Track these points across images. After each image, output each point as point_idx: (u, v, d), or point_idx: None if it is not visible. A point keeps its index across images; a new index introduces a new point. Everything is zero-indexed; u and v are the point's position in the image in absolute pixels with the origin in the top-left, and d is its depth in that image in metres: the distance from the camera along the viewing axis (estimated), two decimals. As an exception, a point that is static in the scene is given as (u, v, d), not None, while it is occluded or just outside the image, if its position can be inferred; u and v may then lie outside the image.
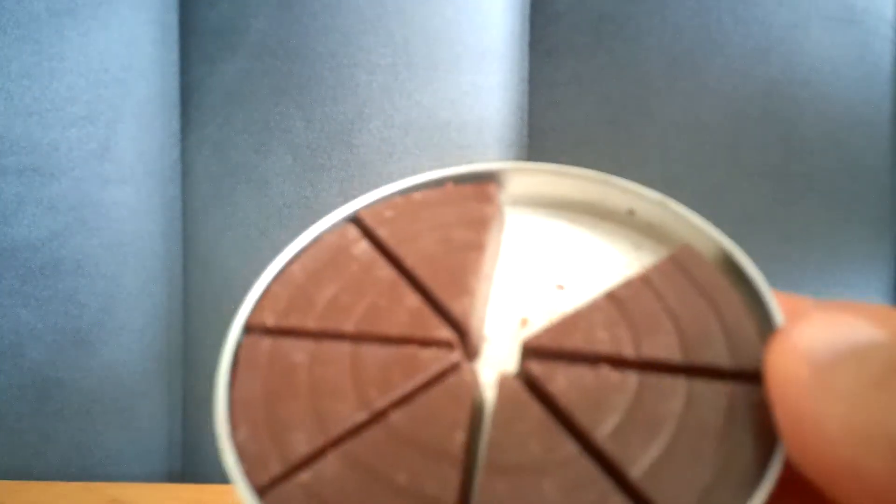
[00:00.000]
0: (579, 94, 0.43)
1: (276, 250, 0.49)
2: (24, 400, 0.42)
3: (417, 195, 0.19)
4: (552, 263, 0.19)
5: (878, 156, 0.43)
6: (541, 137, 0.44)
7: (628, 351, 0.16)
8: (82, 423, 0.42)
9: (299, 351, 0.16)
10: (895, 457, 0.12)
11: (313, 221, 0.49)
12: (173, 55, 0.44)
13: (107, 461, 0.43)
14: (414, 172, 0.44)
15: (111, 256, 0.42)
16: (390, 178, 0.42)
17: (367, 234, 0.18)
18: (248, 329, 0.17)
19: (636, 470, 0.14)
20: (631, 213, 0.19)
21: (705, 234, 0.18)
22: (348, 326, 0.17)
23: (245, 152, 0.43)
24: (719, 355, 0.15)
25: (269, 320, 0.17)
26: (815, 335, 0.14)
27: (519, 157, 0.44)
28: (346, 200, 0.46)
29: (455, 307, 0.17)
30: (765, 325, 0.16)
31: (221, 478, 0.48)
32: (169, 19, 0.43)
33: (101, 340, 0.42)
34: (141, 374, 0.43)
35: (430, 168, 0.42)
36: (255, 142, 0.43)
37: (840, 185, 0.42)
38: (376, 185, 0.46)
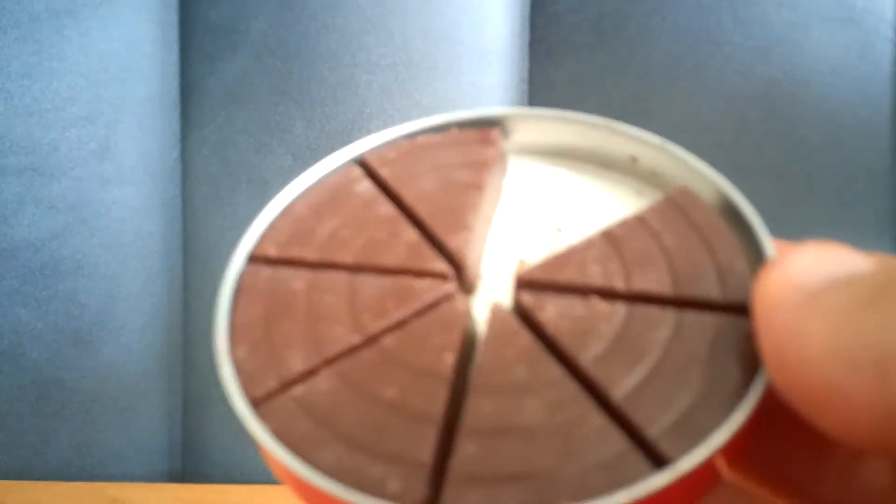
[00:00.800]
0: (579, 94, 0.43)
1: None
2: (24, 400, 0.42)
3: (421, 138, 0.19)
4: (552, 208, 0.19)
5: (878, 156, 0.43)
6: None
7: (619, 284, 0.16)
8: (82, 423, 0.42)
9: (298, 279, 0.17)
10: (879, 376, 0.12)
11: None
12: (173, 55, 0.44)
13: (107, 461, 0.43)
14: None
15: (111, 256, 0.42)
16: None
17: (370, 173, 0.19)
18: (251, 259, 0.18)
19: (618, 391, 0.14)
20: (633, 160, 0.19)
21: (705, 177, 0.18)
22: (346, 258, 0.17)
23: (245, 152, 0.43)
24: (710, 289, 0.16)
25: (271, 251, 0.17)
26: (808, 262, 0.14)
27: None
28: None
29: (451, 241, 0.17)
30: (759, 265, 0.16)
31: (222, 477, 0.48)
32: (169, 19, 0.43)
33: (101, 340, 0.42)
34: (141, 374, 0.43)
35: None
36: (255, 142, 0.43)
37: (840, 185, 0.42)
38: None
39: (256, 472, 0.43)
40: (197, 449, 0.45)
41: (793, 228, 0.42)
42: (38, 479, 0.42)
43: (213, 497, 0.40)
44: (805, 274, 0.13)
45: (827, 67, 0.42)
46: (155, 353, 0.44)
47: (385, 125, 0.42)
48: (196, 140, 0.44)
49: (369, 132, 0.47)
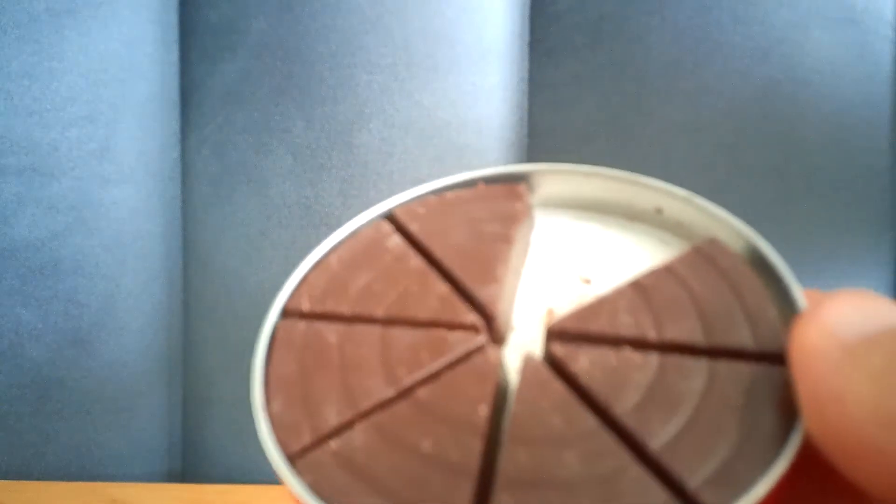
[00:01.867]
0: (579, 94, 0.43)
1: (277, 250, 0.49)
2: (24, 400, 0.42)
3: (449, 194, 0.20)
4: (579, 259, 0.19)
5: (878, 156, 0.43)
6: (541, 137, 0.44)
7: (651, 334, 0.16)
8: (82, 423, 0.42)
9: (332, 333, 0.17)
10: None
11: (313, 222, 0.48)
12: (173, 55, 0.44)
13: (107, 461, 0.43)
14: (414, 173, 0.44)
15: (111, 256, 0.42)
16: (390, 179, 0.42)
17: (400, 229, 0.19)
18: (286, 313, 0.18)
19: (656, 442, 0.14)
20: (659, 211, 0.20)
21: (732, 227, 0.18)
22: (379, 311, 0.17)
23: (245, 152, 0.43)
24: (742, 338, 0.16)
25: (305, 305, 0.18)
26: (845, 314, 0.13)
27: (519, 158, 0.44)
28: (346, 200, 0.47)
29: (482, 294, 0.17)
30: (789, 313, 0.16)
31: (222, 477, 0.48)
32: (169, 19, 0.43)
33: (101, 340, 0.42)
34: (141, 374, 0.43)
35: (430, 169, 0.42)
36: (255, 142, 0.43)
37: (840, 185, 0.42)
38: (376, 185, 0.46)
39: (256, 472, 0.43)
40: (197, 449, 0.45)
41: (793, 228, 0.42)
42: (38, 479, 0.42)
43: (213, 497, 0.40)
44: (844, 327, 0.13)
45: (827, 67, 0.42)
46: (155, 353, 0.44)
47: (385, 125, 0.42)
48: (196, 140, 0.44)
49: (369, 132, 0.47)
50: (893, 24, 0.42)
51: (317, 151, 0.42)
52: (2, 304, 0.41)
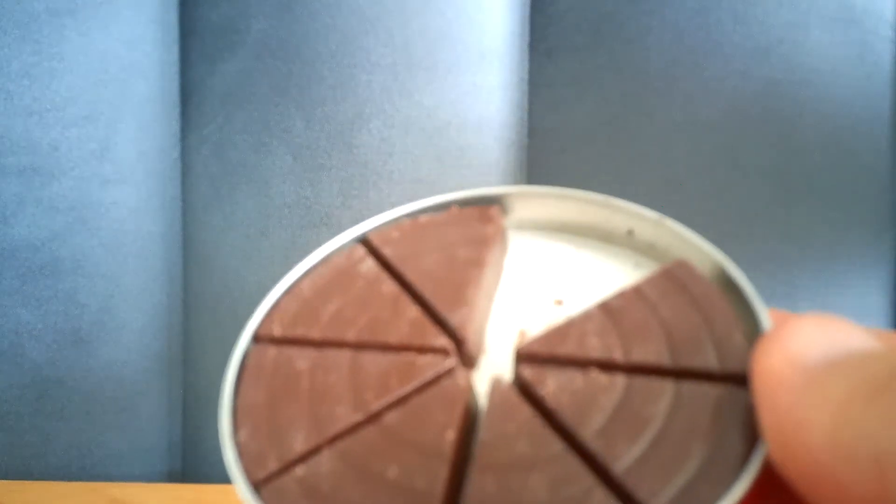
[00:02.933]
0: (579, 94, 0.43)
1: (277, 250, 0.49)
2: (24, 400, 0.42)
3: (423, 218, 0.20)
4: (552, 281, 0.20)
5: (878, 156, 0.43)
6: (541, 137, 0.44)
7: (618, 356, 0.16)
8: (82, 423, 0.42)
9: (303, 359, 0.17)
10: (877, 473, 0.12)
11: (313, 221, 0.48)
12: (173, 55, 0.44)
13: (107, 461, 0.43)
14: (414, 173, 0.43)
15: (111, 256, 0.42)
16: (390, 179, 0.42)
17: (374, 253, 0.19)
18: (257, 339, 0.18)
19: (619, 465, 0.15)
20: (630, 233, 0.20)
21: (700, 249, 0.18)
22: (350, 336, 0.17)
23: (245, 152, 0.43)
24: (708, 359, 0.16)
25: (277, 331, 0.18)
26: (807, 339, 0.13)
27: (519, 158, 0.44)
28: (346, 200, 0.46)
29: (452, 317, 0.17)
30: (756, 333, 0.16)
31: (221, 477, 0.48)
32: (169, 19, 0.43)
33: (101, 340, 0.42)
34: (141, 374, 0.43)
35: (430, 169, 0.42)
36: (255, 142, 0.43)
37: (840, 185, 0.42)
38: (376, 185, 0.46)
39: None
40: (197, 449, 0.45)
41: (792, 228, 0.42)
42: (38, 479, 0.42)
43: (213, 497, 0.40)
44: (806, 352, 0.13)
45: (827, 67, 0.42)
46: (155, 353, 0.44)
47: (385, 125, 0.42)
48: (196, 140, 0.44)
49: (369, 132, 0.47)
50: (893, 24, 0.42)
51: (317, 151, 0.42)
52: (2, 304, 0.41)
